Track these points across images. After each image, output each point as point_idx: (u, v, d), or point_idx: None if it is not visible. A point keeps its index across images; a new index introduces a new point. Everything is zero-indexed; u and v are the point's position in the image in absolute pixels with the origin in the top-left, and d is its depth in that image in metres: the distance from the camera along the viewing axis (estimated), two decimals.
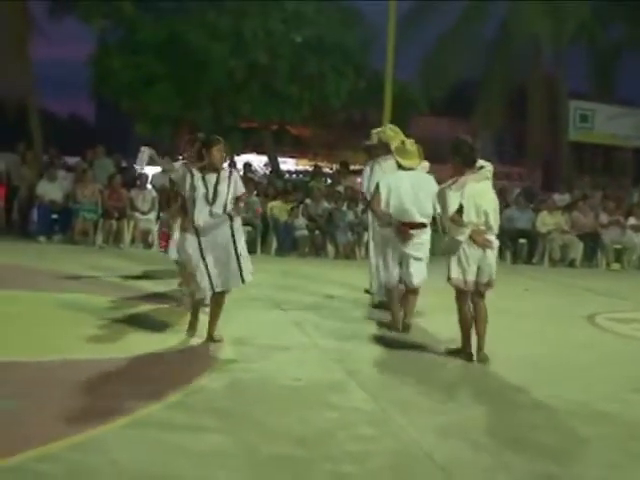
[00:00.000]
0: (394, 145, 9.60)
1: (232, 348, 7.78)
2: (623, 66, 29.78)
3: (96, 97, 26.93)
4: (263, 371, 7.00)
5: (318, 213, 18.35)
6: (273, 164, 26.49)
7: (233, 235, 7.68)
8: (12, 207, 18.38)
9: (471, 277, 7.74)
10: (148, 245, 17.08)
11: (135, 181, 17.87)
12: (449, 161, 7.92)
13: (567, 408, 6.34)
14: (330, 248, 18.07)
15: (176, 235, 9.31)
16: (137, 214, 17.22)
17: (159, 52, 20.92)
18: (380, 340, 8.75)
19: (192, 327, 8.08)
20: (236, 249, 7.68)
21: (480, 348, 7.85)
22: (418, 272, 9.20)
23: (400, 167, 9.28)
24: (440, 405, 6.27)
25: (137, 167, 12.42)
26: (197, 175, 7.59)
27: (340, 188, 19.45)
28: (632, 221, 19.49)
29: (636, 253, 19.38)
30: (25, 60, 23.58)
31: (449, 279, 7.81)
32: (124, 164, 20.93)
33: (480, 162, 7.87)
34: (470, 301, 7.88)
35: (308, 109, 22.69)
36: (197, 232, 7.58)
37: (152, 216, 17.26)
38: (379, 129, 10.87)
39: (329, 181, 21.81)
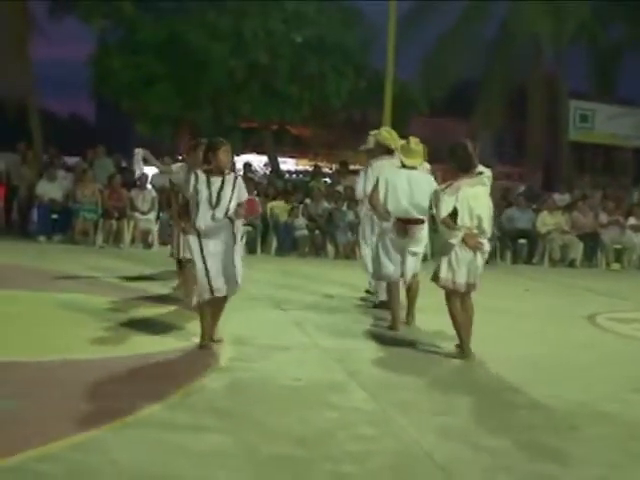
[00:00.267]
0: (399, 143, 9.77)
1: (232, 348, 7.78)
2: (623, 66, 29.83)
3: (96, 97, 26.95)
4: (263, 371, 7.00)
5: (318, 213, 18.36)
6: (273, 164, 26.50)
7: (234, 240, 7.64)
8: (12, 207, 18.39)
9: (460, 279, 7.85)
10: (148, 245, 17.11)
11: (135, 181, 17.88)
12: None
13: (567, 408, 6.34)
14: (330, 248, 18.09)
15: (180, 235, 9.36)
16: (137, 214, 17.24)
17: (159, 52, 20.94)
18: (380, 340, 8.74)
19: (205, 334, 7.75)
20: (234, 254, 7.63)
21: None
22: (412, 266, 9.33)
23: (402, 165, 9.35)
24: (440, 405, 6.27)
25: (136, 170, 12.45)
26: (202, 178, 7.49)
27: (340, 188, 19.46)
28: (632, 221, 19.49)
29: (636, 253, 19.39)
30: (25, 60, 23.61)
31: (437, 279, 7.93)
32: (124, 164, 20.95)
33: (480, 168, 7.97)
34: (459, 302, 8.02)
35: (308, 109, 22.70)
36: (198, 235, 7.51)
37: (152, 216, 17.29)
38: (375, 132, 10.94)
39: (329, 181, 21.77)
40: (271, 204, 18.40)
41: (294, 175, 30.16)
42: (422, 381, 7.07)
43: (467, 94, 28.33)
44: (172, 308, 9.61)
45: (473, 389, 6.88)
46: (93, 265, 13.38)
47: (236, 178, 7.73)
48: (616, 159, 32.35)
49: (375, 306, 10.78)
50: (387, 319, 9.63)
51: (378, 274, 9.72)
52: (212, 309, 7.73)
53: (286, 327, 9.17)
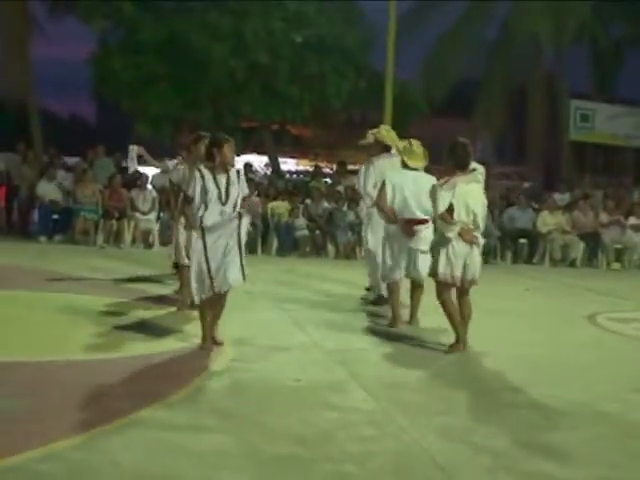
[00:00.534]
0: (401, 144, 9.92)
1: (233, 348, 7.78)
2: (623, 66, 29.83)
3: (97, 97, 26.95)
4: (264, 371, 7.00)
5: (318, 213, 18.36)
6: (274, 164, 26.49)
7: (239, 234, 7.63)
8: (12, 207, 18.39)
9: (458, 272, 8.03)
10: (149, 245, 17.11)
11: (135, 181, 17.87)
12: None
13: (567, 408, 6.34)
14: (331, 248, 18.09)
15: (181, 238, 9.29)
16: (137, 214, 17.24)
17: (160, 52, 20.94)
18: (381, 340, 8.75)
19: (206, 335, 7.74)
20: (240, 248, 7.63)
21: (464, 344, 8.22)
22: (425, 265, 9.22)
23: (405, 166, 9.52)
24: (441, 405, 6.27)
25: (130, 167, 12.43)
26: (208, 176, 7.45)
27: (340, 188, 19.46)
28: (632, 221, 19.47)
29: (636, 253, 19.36)
30: (25, 60, 23.65)
31: (436, 274, 8.10)
32: (124, 164, 20.93)
33: (473, 165, 8.24)
34: (456, 299, 8.21)
35: (309, 109, 22.69)
36: (203, 232, 7.47)
37: (152, 216, 17.29)
38: (375, 130, 11.03)
39: (329, 181, 21.76)
40: (272, 204, 18.41)
41: (295, 175, 30.16)
42: (423, 381, 7.08)
43: (467, 94, 28.31)
44: (172, 309, 9.60)
45: (473, 389, 6.88)
46: (93, 266, 13.38)
47: (238, 172, 7.74)
48: (616, 159, 32.34)
49: (374, 302, 10.90)
50: (387, 316, 9.72)
51: (382, 274, 9.84)
52: (213, 308, 7.72)
53: (286, 327, 9.18)
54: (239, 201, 7.56)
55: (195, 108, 21.72)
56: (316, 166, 24.42)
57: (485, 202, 8.28)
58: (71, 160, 20.94)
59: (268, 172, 26.75)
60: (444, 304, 8.17)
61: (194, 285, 7.56)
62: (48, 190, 17.36)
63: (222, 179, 7.49)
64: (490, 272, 16.41)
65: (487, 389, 6.92)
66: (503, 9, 28.26)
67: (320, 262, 16.99)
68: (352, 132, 22.39)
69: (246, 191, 7.77)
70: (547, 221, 19.14)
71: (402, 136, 10.63)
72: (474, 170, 8.20)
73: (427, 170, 9.64)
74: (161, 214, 17.22)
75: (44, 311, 9.20)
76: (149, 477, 4.52)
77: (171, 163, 10.12)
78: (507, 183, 27.13)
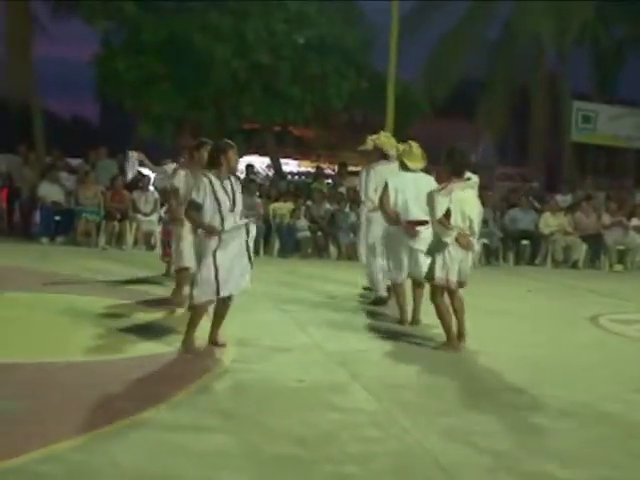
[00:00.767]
0: (401, 147, 10.07)
1: (235, 349, 7.78)
2: (625, 66, 29.82)
3: (99, 98, 26.95)
4: (266, 372, 7.00)
5: (320, 214, 18.36)
6: (275, 166, 26.48)
7: (247, 241, 7.64)
8: (14, 209, 18.39)
9: (453, 277, 8.22)
10: (150, 247, 17.10)
11: (137, 183, 17.86)
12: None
13: (569, 408, 6.34)
14: (332, 249, 18.08)
15: (183, 243, 9.22)
16: (139, 216, 17.23)
17: (162, 53, 20.93)
18: (383, 341, 8.76)
19: (191, 339, 7.61)
20: (249, 255, 7.63)
21: (462, 334, 8.41)
22: (425, 264, 9.31)
23: (405, 168, 9.71)
24: (443, 406, 6.26)
25: (128, 174, 12.43)
26: (217, 185, 7.44)
27: (342, 189, 19.46)
28: (635, 222, 19.47)
29: (639, 254, 19.35)
30: (28, 61, 23.64)
31: (432, 278, 8.28)
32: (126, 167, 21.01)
33: (467, 174, 8.44)
34: (448, 296, 8.40)
35: (310, 110, 22.68)
36: (219, 238, 7.41)
37: (154, 218, 17.28)
38: (374, 136, 11.17)
39: (330, 182, 21.75)
40: (274, 205, 18.42)
41: (296, 176, 30.15)
42: (424, 382, 7.08)
43: (469, 94, 28.29)
44: (173, 311, 9.60)
45: (475, 390, 6.88)
46: (95, 267, 13.38)
47: (238, 178, 7.77)
48: (618, 160, 32.33)
49: (374, 302, 11.01)
50: (388, 316, 9.98)
51: (386, 274, 10.06)
52: (216, 309, 7.68)
53: (288, 328, 9.18)
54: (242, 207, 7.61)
55: (197, 109, 21.71)
56: (318, 167, 24.42)
57: (480, 209, 8.56)
58: (73, 161, 20.93)
59: (270, 173, 26.74)
60: (438, 307, 8.35)
61: (199, 288, 7.44)
62: (50, 191, 17.36)
63: (228, 186, 7.51)
64: (492, 273, 16.49)
65: (489, 390, 6.91)
66: (505, 9, 28.24)
67: (322, 263, 16.98)
68: (354, 133, 22.41)
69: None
70: (549, 222, 19.13)
71: (404, 137, 10.73)
72: (469, 179, 8.39)
73: (426, 171, 9.79)
74: (162, 215, 17.20)
75: (45, 312, 9.20)
76: (150, 478, 4.52)
77: (169, 167, 10.13)
78: (509, 184, 27.14)
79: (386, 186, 9.64)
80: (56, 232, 17.36)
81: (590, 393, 6.87)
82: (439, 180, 8.67)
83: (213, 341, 7.79)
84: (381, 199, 9.76)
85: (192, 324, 7.57)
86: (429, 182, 9.30)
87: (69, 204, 17.56)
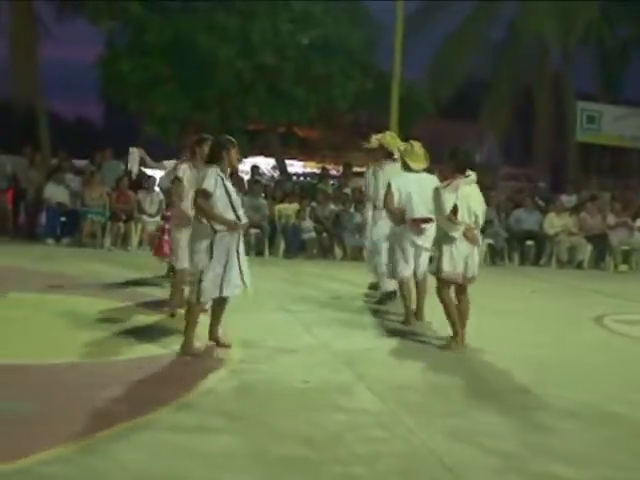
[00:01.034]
0: (403, 147, 10.18)
1: (240, 350, 7.79)
2: (630, 66, 29.78)
3: (104, 99, 26.96)
4: (271, 373, 7.01)
5: (325, 215, 18.36)
6: (280, 166, 26.48)
7: (239, 240, 7.62)
8: (19, 210, 18.42)
9: (460, 270, 8.32)
10: None
11: (142, 184, 17.88)
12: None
13: (574, 409, 6.34)
14: (338, 250, 18.08)
15: (183, 244, 9.11)
16: (144, 217, 17.23)
17: (167, 53, 20.94)
18: (388, 341, 8.77)
19: (189, 342, 7.54)
20: (239, 254, 7.59)
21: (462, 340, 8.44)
22: (425, 262, 9.81)
23: (407, 168, 9.85)
24: (448, 407, 6.27)
25: (132, 169, 12.32)
26: (225, 180, 7.43)
27: (347, 190, 19.46)
28: None
29: None
30: (33, 62, 23.65)
31: (440, 272, 8.37)
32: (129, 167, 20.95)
33: (467, 172, 8.54)
34: (455, 296, 8.52)
35: (315, 111, 22.68)
36: (213, 236, 7.35)
37: (159, 219, 17.26)
38: (379, 135, 11.23)
39: (335, 183, 21.74)
40: (279, 206, 18.42)
41: (302, 177, 30.15)
42: (429, 382, 7.08)
43: (473, 95, 28.28)
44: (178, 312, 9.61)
45: (481, 390, 6.88)
46: (100, 268, 13.40)
47: (241, 179, 7.78)
48: (622, 160, 32.29)
49: (379, 301, 11.13)
50: (394, 314, 10.05)
51: (392, 272, 10.08)
52: (214, 308, 7.66)
53: (294, 329, 9.18)
54: None
55: (202, 109, 21.71)
56: (323, 168, 24.42)
57: (484, 203, 8.66)
58: (78, 163, 20.93)
59: (275, 174, 26.75)
60: (444, 301, 8.44)
61: (205, 285, 7.36)
62: (55, 192, 17.38)
63: (229, 183, 7.50)
64: (497, 274, 16.48)
65: (494, 390, 6.92)
66: (510, 9, 28.22)
67: (327, 264, 16.97)
68: (358, 134, 22.39)
69: None
70: (554, 223, 19.10)
71: (408, 137, 10.80)
72: (468, 176, 8.46)
73: (428, 170, 9.96)
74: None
75: (49, 313, 9.19)
76: (155, 479, 4.53)
77: (168, 163, 10.10)
78: (514, 185, 27.12)
79: (389, 186, 9.78)
80: (61, 233, 17.39)
81: (595, 393, 6.88)
82: (442, 179, 8.82)
83: (215, 339, 7.77)
84: (385, 199, 9.89)
85: (190, 326, 7.52)
86: (432, 181, 9.46)
87: (74, 205, 17.58)
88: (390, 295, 11.02)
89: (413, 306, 9.90)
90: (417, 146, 9.89)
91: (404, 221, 9.65)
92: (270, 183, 22.01)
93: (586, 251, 18.94)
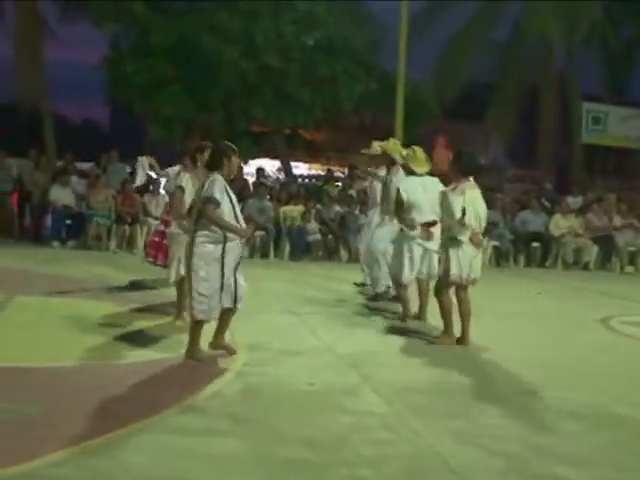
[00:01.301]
0: (405, 152, 10.46)
1: (246, 353, 7.78)
2: (635, 67, 29.76)
3: (109, 101, 27.01)
4: (277, 376, 7.01)
5: (330, 217, 18.36)
6: (286, 168, 26.49)
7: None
8: (25, 213, 18.45)
9: (466, 273, 8.48)
10: None
11: (148, 186, 17.90)
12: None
13: (579, 410, 6.33)
14: (343, 252, 18.08)
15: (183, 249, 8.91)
16: (150, 219, 17.22)
17: (171, 55, 20.96)
18: (392, 342, 8.77)
19: (194, 347, 7.46)
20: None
21: (466, 339, 8.64)
22: (435, 264, 9.86)
23: (411, 173, 10.09)
24: (453, 409, 6.26)
25: (137, 180, 12.20)
26: (229, 189, 7.36)
27: (352, 192, 19.45)
28: None
29: None
30: (38, 65, 23.68)
31: (448, 275, 8.52)
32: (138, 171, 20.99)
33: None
34: (455, 297, 8.66)
35: (320, 112, 22.69)
36: (224, 246, 7.23)
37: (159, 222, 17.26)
38: (383, 142, 11.35)
39: (340, 185, 21.74)
40: (284, 208, 18.42)
41: (307, 179, 30.17)
42: (434, 384, 7.07)
43: (478, 96, 28.26)
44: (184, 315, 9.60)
45: (486, 392, 6.86)
46: (105, 271, 13.41)
47: (246, 181, 7.74)
48: (627, 161, 32.26)
49: (373, 298, 11.40)
50: (399, 316, 10.15)
51: (396, 274, 10.18)
52: (220, 318, 7.55)
53: (299, 331, 9.17)
54: None
55: (207, 111, 21.72)
56: (329, 170, 24.42)
57: (485, 207, 8.79)
58: (83, 165, 20.97)
59: (280, 176, 26.76)
60: (443, 302, 8.67)
61: (218, 297, 7.27)
62: (61, 195, 17.40)
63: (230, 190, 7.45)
64: (503, 275, 16.47)
65: (499, 392, 6.91)
66: (515, 9, 28.20)
67: (332, 266, 16.96)
68: (363, 135, 22.40)
69: None
70: (560, 224, 19.09)
71: (414, 138, 10.92)
72: (468, 180, 8.63)
73: (429, 173, 10.14)
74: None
75: (55, 317, 9.18)
76: None
77: (172, 170, 10.04)
78: (520, 186, 27.10)
79: (398, 191, 9.97)
80: (67, 236, 17.41)
81: (601, 395, 6.86)
82: (447, 183, 8.99)
83: (220, 346, 7.63)
84: (396, 204, 10.08)
85: (195, 332, 7.45)
86: (436, 184, 9.76)
87: (80, 208, 17.60)
88: (381, 296, 11.29)
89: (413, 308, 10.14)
90: (419, 151, 10.14)
91: (415, 227, 9.81)
92: (275, 185, 22.01)
93: (592, 252, 18.92)
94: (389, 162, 10.93)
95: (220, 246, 7.22)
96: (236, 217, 7.36)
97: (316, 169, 32.98)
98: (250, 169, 23.84)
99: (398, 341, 8.86)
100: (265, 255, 17.42)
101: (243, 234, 7.46)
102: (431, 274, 9.90)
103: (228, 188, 7.35)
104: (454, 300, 8.71)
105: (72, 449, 4.85)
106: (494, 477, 4.85)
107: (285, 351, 7.98)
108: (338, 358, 7.88)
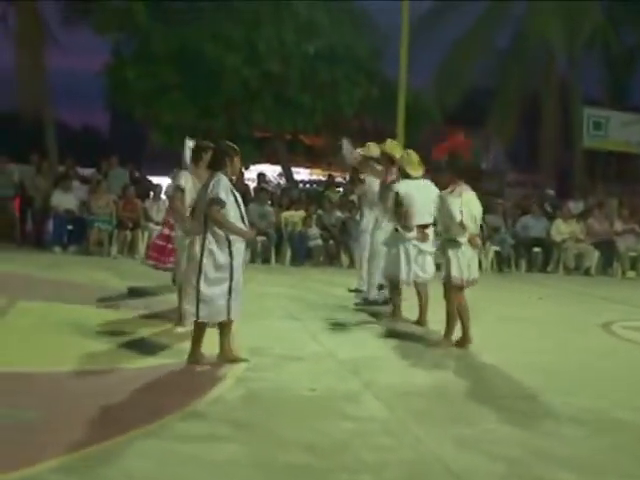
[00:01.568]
0: (399, 155, 10.59)
1: (247, 358, 7.76)
2: (636, 72, 29.78)
3: (110, 107, 27.03)
4: (278, 381, 7.00)
5: (332, 223, 18.37)
6: (287, 174, 26.50)
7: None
8: (26, 218, 18.46)
9: (466, 275, 8.57)
10: None
11: (149, 192, 17.91)
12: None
13: (581, 416, 6.32)
14: (344, 257, 18.07)
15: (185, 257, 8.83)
16: (151, 225, 17.22)
17: (173, 62, 20.98)
18: (394, 348, 8.77)
19: (196, 353, 7.45)
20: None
21: (467, 338, 8.74)
22: (431, 265, 10.25)
23: (406, 176, 10.21)
24: (454, 414, 6.26)
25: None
26: (233, 189, 7.31)
27: (354, 197, 19.43)
28: None
29: None
30: (40, 71, 23.71)
31: (449, 279, 8.59)
32: (137, 174, 21.07)
33: None
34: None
35: (321, 118, 22.70)
36: (230, 250, 7.21)
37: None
38: (379, 144, 11.42)
39: (341, 190, 21.75)
40: (285, 214, 18.42)
41: (308, 185, 30.18)
42: (436, 389, 7.06)
43: (480, 101, 28.26)
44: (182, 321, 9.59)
45: (487, 397, 6.86)
46: (107, 277, 13.41)
47: (247, 186, 7.71)
48: (629, 166, 32.24)
49: (368, 303, 11.40)
50: (401, 322, 10.26)
51: (392, 276, 10.36)
52: (223, 325, 7.50)
53: (300, 337, 9.17)
54: None
55: (208, 117, 21.73)
56: (329, 175, 24.43)
57: (481, 209, 8.87)
58: (84, 171, 20.98)
59: (281, 182, 26.76)
60: (451, 305, 8.68)
61: (224, 303, 7.25)
62: (63, 200, 17.41)
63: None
64: (504, 280, 16.47)
65: (501, 397, 6.90)
66: (519, 10, 28.21)
67: (333, 271, 16.96)
68: (364, 141, 22.41)
69: None
70: (561, 229, 19.10)
71: (414, 144, 10.98)
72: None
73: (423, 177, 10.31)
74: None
75: (56, 322, 9.17)
76: None
77: (183, 175, 9.88)
78: (521, 191, 27.10)
79: (397, 194, 10.05)
80: (68, 241, 17.42)
81: (602, 400, 6.86)
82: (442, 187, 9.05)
83: (231, 359, 7.52)
84: (395, 207, 10.14)
85: (197, 337, 7.43)
86: (431, 187, 9.91)
87: (81, 213, 17.61)
88: (377, 302, 11.31)
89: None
90: (413, 154, 10.31)
91: (412, 229, 9.93)
92: (276, 190, 22.04)
93: (593, 258, 18.92)
94: (389, 162, 10.85)
95: (227, 250, 7.19)
96: (242, 217, 7.34)
97: (317, 174, 32.98)
98: (251, 174, 23.85)
99: (399, 346, 8.86)
100: (266, 260, 17.42)
101: (247, 236, 7.45)
102: (425, 276, 10.09)
103: (233, 188, 7.32)
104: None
105: (73, 455, 4.85)
106: None
107: (286, 356, 7.98)
108: (339, 363, 7.88)
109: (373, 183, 11.39)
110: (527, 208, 20.43)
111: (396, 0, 20.06)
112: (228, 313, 7.30)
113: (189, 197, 8.72)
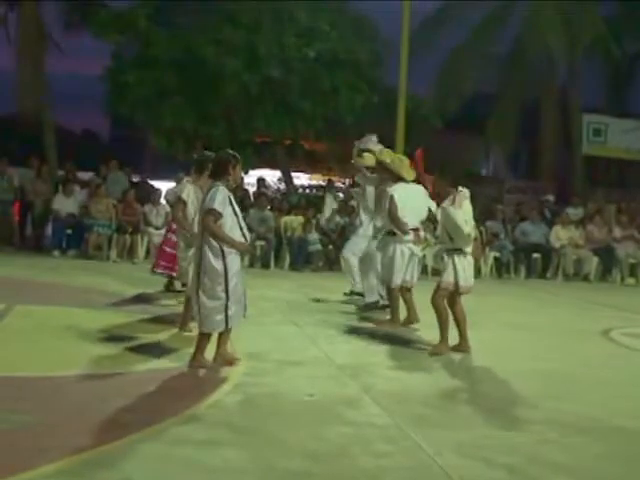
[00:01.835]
0: (389, 159, 10.76)
1: (246, 363, 7.76)
2: (636, 79, 29.80)
3: (110, 112, 27.02)
4: (277, 386, 7.00)
5: (331, 228, 18.37)
6: (287, 179, 26.50)
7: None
8: (26, 222, 18.46)
9: (462, 282, 8.66)
10: None
11: (149, 196, 17.91)
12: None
13: (582, 423, 6.32)
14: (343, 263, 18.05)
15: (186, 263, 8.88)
16: (150, 229, 17.23)
17: (174, 66, 20.98)
18: (393, 353, 8.78)
19: (198, 358, 7.46)
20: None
21: (466, 344, 8.80)
22: (417, 270, 10.52)
23: (400, 179, 10.41)
24: (454, 420, 6.26)
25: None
26: (232, 197, 7.34)
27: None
28: None
29: None
30: (40, 76, 23.72)
31: (456, 286, 8.69)
32: (135, 178, 21.08)
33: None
34: (449, 303, 8.81)
35: (321, 124, 22.70)
36: (224, 261, 7.17)
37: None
38: (377, 151, 11.50)
39: (341, 195, 21.75)
40: (285, 219, 18.42)
41: (307, 190, 30.17)
42: (435, 395, 7.06)
43: (480, 108, 28.28)
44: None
45: (487, 404, 6.86)
46: (106, 281, 13.39)
47: (246, 191, 7.73)
48: (628, 173, 32.25)
49: (366, 306, 11.53)
50: (399, 327, 10.32)
51: (388, 280, 10.47)
52: (221, 333, 7.52)
53: (299, 342, 9.18)
54: None
55: (209, 122, 21.73)
56: (329, 180, 24.44)
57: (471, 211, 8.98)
58: (84, 175, 20.97)
59: (281, 187, 26.76)
60: (440, 308, 8.76)
61: (231, 314, 7.28)
62: (65, 204, 17.42)
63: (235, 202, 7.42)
64: (503, 287, 16.47)
65: (501, 403, 6.90)
66: (519, 17, 28.21)
67: (333, 276, 16.95)
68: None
69: None
70: (560, 235, 19.09)
71: (414, 151, 11.14)
72: (461, 191, 8.76)
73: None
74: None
75: (56, 326, 9.16)
76: None
77: (186, 185, 9.86)
78: (521, 197, 27.09)
79: (392, 198, 10.20)
80: (68, 245, 17.41)
81: (603, 408, 6.85)
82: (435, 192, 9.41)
83: (226, 361, 7.57)
84: (390, 210, 10.26)
85: (201, 343, 7.45)
86: (421, 191, 10.31)
87: (80, 217, 17.61)
88: (376, 305, 11.48)
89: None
90: (404, 159, 10.71)
91: (407, 232, 10.13)
92: (276, 195, 22.04)
93: (592, 264, 18.91)
94: (384, 170, 10.85)
95: (221, 262, 7.18)
96: (241, 228, 7.33)
97: (317, 180, 32.96)
98: (251, 179, 23.84)
99: (399, 352, 8.87)
100: (266, 265, 17.42)
101: (241, 248, 7.41)
102: (412, 280, 10.35)
103: (232, 198, 7.32)
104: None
105: (73, 459, 4.85)
106: None
107: (285, 361, 7.98)
108: (338, 369, 7.87)
109: (369, 189, 11.51)
110: (526, 214, 20.43)
111: (397, 2, 20.10)
112: (226, 324, 7.33)
113: (192, 208, 8.74)
